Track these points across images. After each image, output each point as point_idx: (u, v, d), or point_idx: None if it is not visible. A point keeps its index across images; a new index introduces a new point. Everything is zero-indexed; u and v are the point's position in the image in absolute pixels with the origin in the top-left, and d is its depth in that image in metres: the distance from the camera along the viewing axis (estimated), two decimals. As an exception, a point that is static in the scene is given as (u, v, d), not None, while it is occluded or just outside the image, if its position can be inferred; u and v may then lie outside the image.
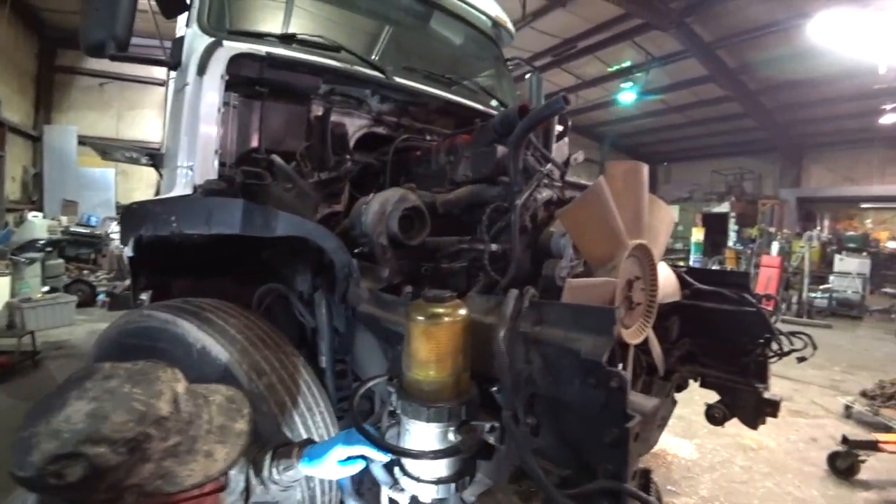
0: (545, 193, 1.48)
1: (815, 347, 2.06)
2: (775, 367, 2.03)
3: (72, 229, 9.23)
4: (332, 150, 2.10)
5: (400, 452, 1.00)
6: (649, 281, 1.47)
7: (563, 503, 0.85)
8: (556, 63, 12.04)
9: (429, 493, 1.00)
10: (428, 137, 2.48)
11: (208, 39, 1.97)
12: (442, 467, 1.00)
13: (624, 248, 1.30)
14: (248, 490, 1.14)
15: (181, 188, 1.89)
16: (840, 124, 14.60)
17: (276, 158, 1.85)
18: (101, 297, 7.78)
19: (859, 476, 3.25)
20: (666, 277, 1.69)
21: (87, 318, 6.76)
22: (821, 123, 14.94)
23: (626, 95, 12.78)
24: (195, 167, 1.86)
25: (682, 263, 3.47)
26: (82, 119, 12.03)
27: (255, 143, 2.01)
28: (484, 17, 3.13)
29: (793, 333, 2.05)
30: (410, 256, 1.61)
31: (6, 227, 8.56)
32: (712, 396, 2.12)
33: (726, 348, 2.02)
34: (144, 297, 2.51)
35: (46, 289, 6.90)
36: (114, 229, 9.21)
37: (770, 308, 8.09)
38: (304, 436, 1.39)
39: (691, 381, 2.20)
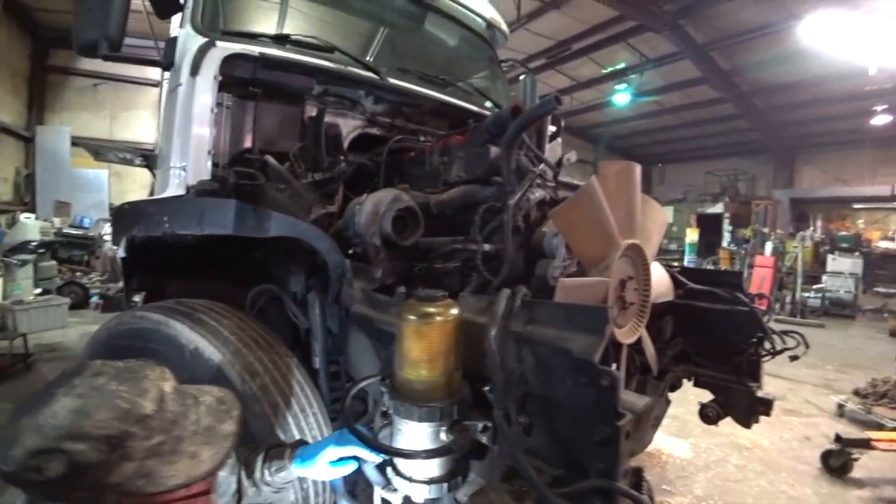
0: (538, 194, 1.49)
1: (807, 346, 2.07)
2: (769, 366, 2.04)
3: (65, 231, 9.15)
4: (326, 150, 2.10)
5: (392, 452, 1.00)
6: (642, 280, 1.47)
7: (555, 502, 0.85)
8: (550, 65, 12.09)
9: (421, 493, 1.00)
10: (422, 138, 2.48)
11: (202, 40, 1.96)
12: (434, 467, 1.00)
13: (616, 248, 1.30)
14: (240, 492, 1.14)
15: (174, 189, 1.88)
16: (832, 125, 14.74)
17: (270, 159, 1.84)
18: (95, 299, 7.73)
19: (852, 474, 3.28)
20: (659, 277, 1.69)
21: (80, 321, 6.71)
22: (813, 124, 15.08)
23: (621, 97, 12.86)
24: (188, 168, 1.85)
25: (676, 264, 3.48)
26: (76, 120, 11.93)
27: (248, 143, 2.00)
28: (478, 19, 3.14)
29: (785, 332, 2.07)
30: (404, 257, 1.61)
31: (-2, 229, 8.48)
32: (707, 396, 2.13)
33: (719, 348, 2.02)
34: (138, 298, 2.49)
35: (39, 291, 6.85)
36: (107, 231, 9.13)
37: (763, 307, 8.14)
38: (298, 437, 1.39)
39: (685, 381, 2.20)
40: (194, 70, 1.87)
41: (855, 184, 15.80)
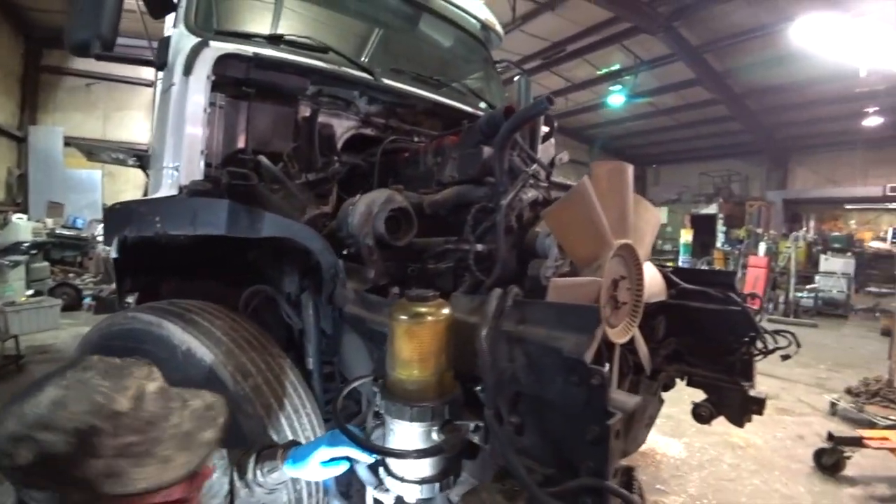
0: (531, 194, 1.49)
1: (798, 345, 2.09)
2: (762, 365, 2.05)
3: (57, 232, 9.07)
4: (320, 151, 2.10)
5: (383, 452, 1.00)
6: (635, 280, 1.48)
7: (546, 501, 0.85)
8: (545, 66, 12.11)
9: (413, 493, 1.00)
10: (416, 139, 2.48)
11: (195, 39, 1.95)
12: (426, 467, 1.00)
13: (609, 248, 1.31)
14: (232, 493, 1.13)
15: (167, 189, 1.87)
16: (823, 127, 14.86)
17: (263, 159, 1.84)
18: (87, 300, 7.66)
19: (845, 472, 3.30)
20: (652, 277, 1.70)
21: (73, 322, 6.65)
22: (805, 126, 15.19)
23: (615, 98, 12.91)
24: (181, 168, 1.85)
25: (670, 264, 3.49)
26: (68, 120, 11.84)
27: (241, 143, 2.00)
28: (473, 20, 3.14)
29: (777, 332, 2.08)
30: (397, 257, 1.61)
31: (-10, 230, 8.40)
32: (700, 395, 2.14)
33: (712, 347, 2.03)
34: (131, 299, 2.48)
35: (31, 292, 6.78)
36: (100, 232, 9.06)
37: (756, 307, 8.18)
38: (291, 438, 1.38)
39: (678, 380, 2.22)
40: (187, 70, 1.86)
41: (847, 185, 15.93)
